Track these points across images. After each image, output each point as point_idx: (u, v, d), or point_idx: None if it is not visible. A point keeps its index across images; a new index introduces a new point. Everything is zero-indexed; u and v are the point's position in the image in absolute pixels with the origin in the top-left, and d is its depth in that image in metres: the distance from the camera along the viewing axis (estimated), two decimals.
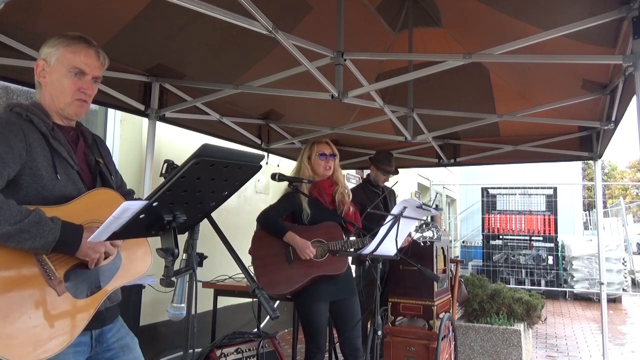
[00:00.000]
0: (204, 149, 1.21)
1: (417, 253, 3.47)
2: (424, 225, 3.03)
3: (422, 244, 3.03)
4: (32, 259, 1.44)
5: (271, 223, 3.05)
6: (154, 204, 1.26)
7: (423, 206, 2.48)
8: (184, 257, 1.41)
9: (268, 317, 1.73)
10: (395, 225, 2.41)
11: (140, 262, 1.77)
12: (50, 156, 1.54)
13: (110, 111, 4.25)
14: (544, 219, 9.91)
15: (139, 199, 1.82)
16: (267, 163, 4.83)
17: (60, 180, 1.54)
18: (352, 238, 3.05)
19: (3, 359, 1.33)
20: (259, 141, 4.78)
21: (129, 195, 1.84)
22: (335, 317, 3.09)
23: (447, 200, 15.56)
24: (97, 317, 1.60)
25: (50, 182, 1.52)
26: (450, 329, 3.94)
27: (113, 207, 1.35)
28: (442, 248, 4.00)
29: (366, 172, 6.42)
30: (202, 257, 1.46)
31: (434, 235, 3.01)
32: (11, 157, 1.45)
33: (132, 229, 1.32)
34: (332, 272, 2.95)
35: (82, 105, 1.66)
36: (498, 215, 10.24)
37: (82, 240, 1.49)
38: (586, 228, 16.08)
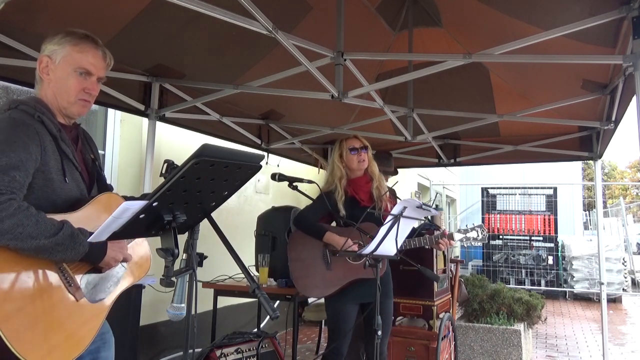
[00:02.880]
0: (204, 149, 1.21)
1: (417, 253, 3.46)
2: (468, 227, 2.92)
3: (464, 246, 2.96)
4: (53, 266, 1.47)
5: (308, 225, 2.99)
6: (154, 204, 1.27)
7: (423, 206, 2.48)
8: (184, 257, 1.42)
9: (268, 317, 1.73)
10: (395, 225, 2.40)
11: (143, 263, 1.82)
12: (59, 159, 1.55)
13: (110, 111, 4.25)
14: (544, 219, 9.91)
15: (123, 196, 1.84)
16: (267, 163, 4.84)
17: (68, 183, 1.55)
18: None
19: None
20: (259, 141, 4.78)
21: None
22: (367, 319, 3.00)
23: (447, 200, 15.55)
24: None
25: (60, 185, 1.54)
26: (450, 329, 3.94)
27: None
28: None
29: None
30: (202, 257, 1.46)
31: (478, 235, 2.88)
32: (30, 163, 1.45)
33: (132, 229, 1.33)
34: (370, 276, 2.84)
35: (85, 105, 1.65)
36: (498, 215, 10.24)
37: (107, 250, 1.53)
38: (586, 228, 16.07)
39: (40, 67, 1.61)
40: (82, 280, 1.55)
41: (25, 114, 1.52)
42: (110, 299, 1.65)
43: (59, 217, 1.47)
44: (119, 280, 1.70)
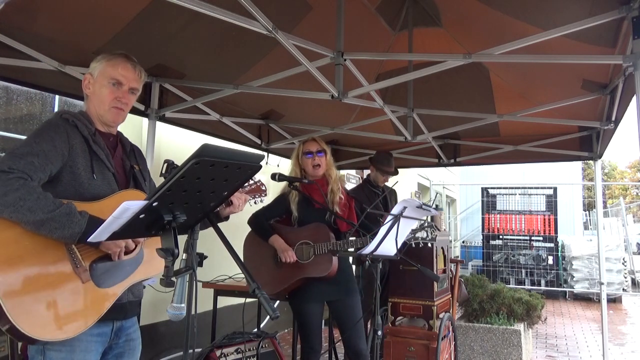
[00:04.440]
0: (204, 149, 1.21)
1: (417, 253, 3.46)
2: (417, 226, 2.96)
3: (413, 244, 2.97)
4: (62, 247, 1.58)
5: (258, 226, 3.10)
6: (154, 204, 1.27)
7: (423, 206, 2.48)
8: (184, 257, 1.41)
9: (268, 317, 1.73)
10: (395, 225, 2.40)
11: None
12: (89, 158, 1.71)
13: None
14: (544, 219, 9.91)
15: None
16: (267, 163, 4.83)
17: (96, 179, 1.70)
18: (352, 238, 3.02)
19: (25, 333, 1.44)
20: (259, 141, 4.78)
21: None
22: (336, 318, 3.07)
23: (447, 200, 15.55)
24: (120, 309, 1.73)
25: (87, 180, 1.68)
26: (450, 329, 3.94)
27: None
28: (442, 248, 4.00)
29: (366, 172, 6.41)
30: (202, 257, 1.46)
31: (427, 235, 2.93)
32: (54, 155, 1.62)
33: (132, 229, 1.33)
34: (317, 275, 2.92)
35: (118, 113, 1.81)
36: (498, 215, 10.24)
37: None
38: (586, 228, 16.07)
39: (84, 84, 1.82)
40: (92, 265, 1.62)
41: (63, 119, 1.72)
42: (120, 287, 1.70)
43: (77, 204, 1.59)
44: (132, 271, 1.74)
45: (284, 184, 3.11)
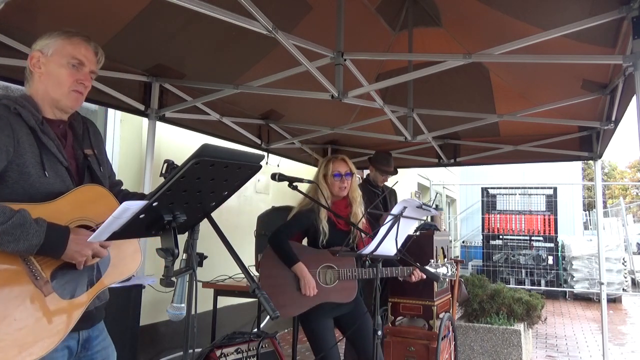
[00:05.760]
0: (204, 149, 1.21)
1: (417, 253, 3.46)
2: (438, 262, 2.93)
3: (435, 281, 2.94)
4: (17, 258, 1.41)
5: (282, 249, 2.89)
6: (154, 204, 1.27)
7: (423, 206, 2.48)
8: (184, 257, 1.41)
9: (268, 317, 1.73)
10: (395, 225, 2.40)
11: (130, 260, 1.74)
12: (38, 152, 1.49)
13: (110, 111, 4.25)
14: (544, 219, 9.91)
15: (127, 190, 1.81)
16: (267, 163, 4.84)
17: (48, 177, 1.49)
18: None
19: None
20: (259, 141, 4.78)
21: (117, 186, 1.83)
22: (348, 328, 2.96)
23: (447, 200, 15.55)
24: (87, 317, 1.58)
25: (38, 179, 1.47)
26: (450, 329, 3.94)
27: (101, 203, 1.35)
28: (442, 248, 4.00)
29: (366, 172, 6.41)
30: (202, 257, 1.46)
31: (448, 271, 2.92)
32: None
33: (132, 229, 1.33)
34: (340, 301, 2.85)
35: (78, 98, 1.63)
36: (498, 215, 10.24)
37: (67, 243, 1.45)
38: (586, 228, 16.07)
39: (32, 63, 1.59)
40: (54, 274, 1.47)
41: (3, 107, 1.49)
42: (87, 295, 1.56)
43: (28, 206, 1.41)
44: (100, 277, 1.61)
45: (300, 196, 2.95)
